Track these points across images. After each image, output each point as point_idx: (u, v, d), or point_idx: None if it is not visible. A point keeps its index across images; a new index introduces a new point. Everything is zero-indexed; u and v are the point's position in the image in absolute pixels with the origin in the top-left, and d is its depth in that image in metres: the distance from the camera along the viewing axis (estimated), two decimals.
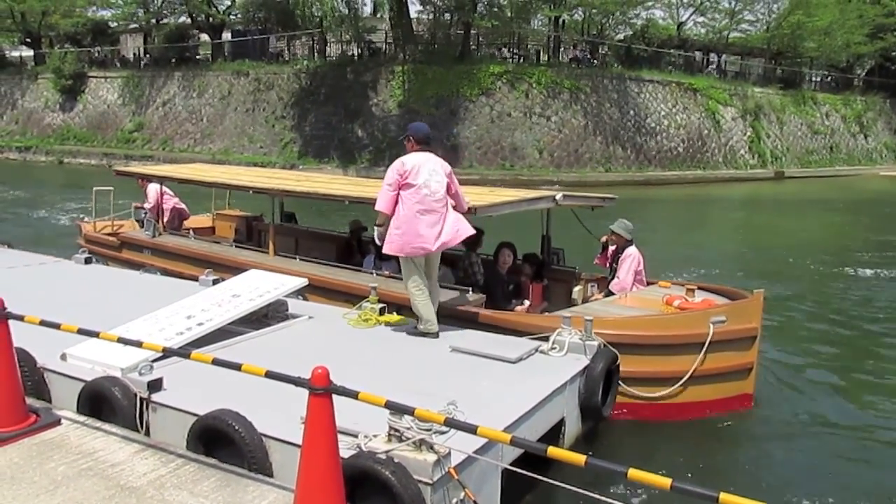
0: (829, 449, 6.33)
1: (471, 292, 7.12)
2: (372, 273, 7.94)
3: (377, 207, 6.21)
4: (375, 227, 6.30)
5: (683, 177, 32.94)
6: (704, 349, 6.17)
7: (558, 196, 7.53)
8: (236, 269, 8.00)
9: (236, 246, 9.55)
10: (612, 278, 7.95)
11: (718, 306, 6.79)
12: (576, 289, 8.32)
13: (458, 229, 6.22)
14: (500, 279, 7.94)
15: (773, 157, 38.72)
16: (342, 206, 10.41)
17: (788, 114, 41.10)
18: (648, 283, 7.99)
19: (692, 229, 21.27)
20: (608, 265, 8.18)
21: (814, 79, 48.72)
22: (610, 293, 7.80)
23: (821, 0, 41.46)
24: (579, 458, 2.85)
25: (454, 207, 6.34)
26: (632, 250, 7.89)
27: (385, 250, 6.24)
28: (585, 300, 8.06)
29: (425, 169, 6.09)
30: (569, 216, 8.61)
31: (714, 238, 19.78)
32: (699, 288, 7.59)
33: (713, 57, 44.18)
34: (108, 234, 10.94)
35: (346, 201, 8.20)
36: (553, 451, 2.97)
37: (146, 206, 11.22)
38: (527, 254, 8.47)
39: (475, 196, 7.36)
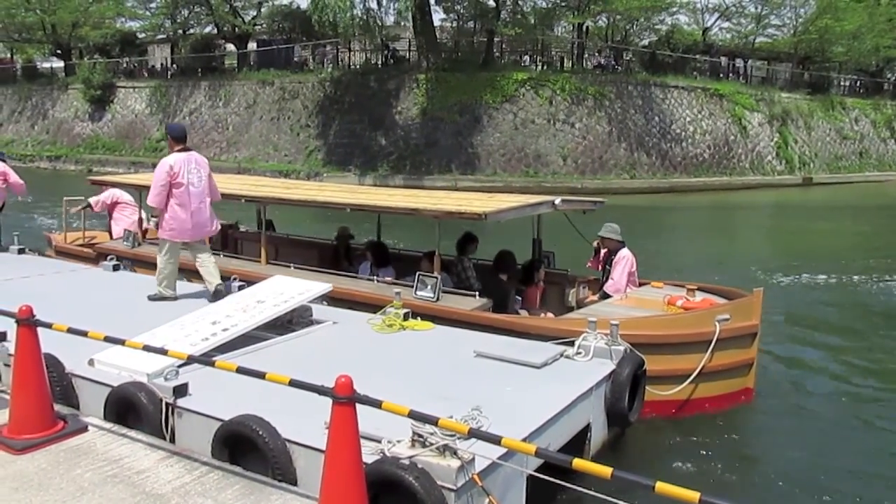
0: (828, 439, 6.51)
1: (477, 297, 7.17)
2: (373, 280, 8.00)
3: (149, 202, 7.45)
4: (152, 218, 7.20)
5: (709, 183, 32.54)
6: (712, 347, 6.34)
7: (557, 201, 7.90)
8: (227, 279, 7.94)
9: (224, 255, 9.19)
10: (606, 280, 8.07)
11: (722, 305, 6.99)
12: (570, 291, 8.50)
13: (214, 221, 7.75)
14: (500, 284, 7.95)
15: (800, 162, 38.21)
16: (305, 213, 11.09)
17: (816, 119, 40.53)
18: (641, 284, 8.14)
19: (715, 236, 21.04)
20: (601, 268, 8.35)
21: (842, 83, 47.93)
22: (604, 294, 7.93)
23: (849, 4, 40.90)
24: (605, 471, 2.81)
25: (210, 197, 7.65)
26: (625, 252, 8.05)
27: (159, 234, 7.50)
28: (579, 302, 8.24)
29: (187, 168, 7.30)
30: (558, 221, 8.72)
31: (736, 244, 19.56)
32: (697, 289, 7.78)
33: (739, 62, 43.70)
34: (82, 246, 10.48)
35: (348, 209, 8.22)
36: (578, 462, 2.92)
37: (92, 199, 10.72)
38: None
39: (479, 203, 7.53)
